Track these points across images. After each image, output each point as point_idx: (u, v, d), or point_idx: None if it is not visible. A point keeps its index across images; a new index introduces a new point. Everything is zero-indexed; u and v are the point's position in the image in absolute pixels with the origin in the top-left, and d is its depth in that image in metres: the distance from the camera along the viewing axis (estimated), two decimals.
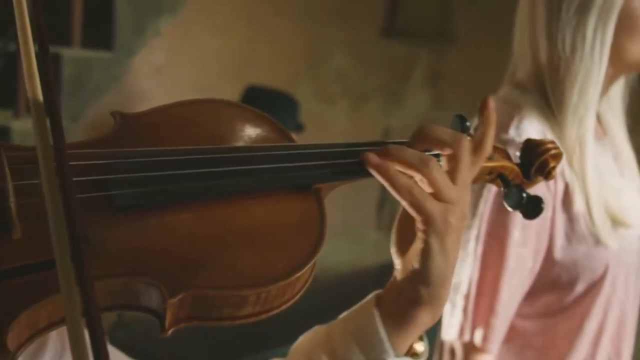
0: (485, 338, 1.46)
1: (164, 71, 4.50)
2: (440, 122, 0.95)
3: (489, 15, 4.29)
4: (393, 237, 0.91)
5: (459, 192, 0.85)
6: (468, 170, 0.86)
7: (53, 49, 2.79)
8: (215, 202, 0.79)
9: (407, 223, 0.88)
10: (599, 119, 1.59)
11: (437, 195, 0.83)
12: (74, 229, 0.61)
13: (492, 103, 0.90)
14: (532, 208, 0.93)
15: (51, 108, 0.67)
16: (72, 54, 3.00)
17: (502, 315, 1.46)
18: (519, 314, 1.51)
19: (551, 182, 1.43)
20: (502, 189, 0.96)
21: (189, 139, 0.84)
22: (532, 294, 1.49)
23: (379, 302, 0.89)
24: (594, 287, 1.50)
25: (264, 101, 3.52)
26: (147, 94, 4.47)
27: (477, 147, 0.89)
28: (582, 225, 1.46)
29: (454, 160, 0.86)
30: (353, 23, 4.52)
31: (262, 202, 0.81)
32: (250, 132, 0.87)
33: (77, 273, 0.59)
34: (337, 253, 4.46)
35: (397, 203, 0.86)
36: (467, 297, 1.46)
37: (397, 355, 0.88)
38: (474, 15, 4.39)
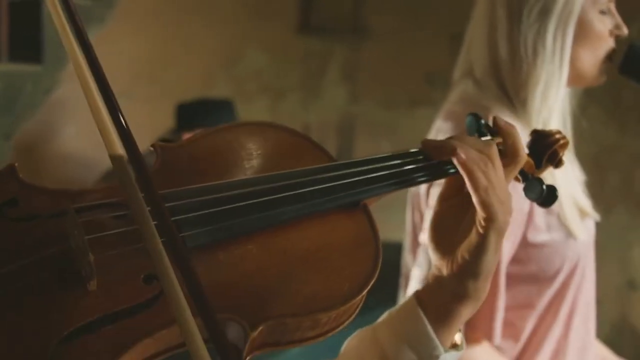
0: (490, 334, 1.49)
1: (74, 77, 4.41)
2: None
3: (402, 9, 4.34)
4: (430, 236, 0.95)
5: (508, 192, 0.91)
6: (503, 174, 0.92)
7: None
8: (274, 230, 0.80)
9: (445, 221, 0.94)
10: None
11: (498, 196, 0.89)
12: (188, 268, 0.62)
13: (501, 120, 0.96)
14: (550, 197, 0.99)
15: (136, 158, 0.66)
16: (1, 69, 2.91)
17: (502, 309, 1.50)
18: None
19: None
20: (521, 182, 1.00)
21: (233, 167, 0.84)
22: (514, 286, 1.53)
23: (420, 301, 0.93)
24: (570, 276, 1.57)
25: (201, 112, 3.48)
26: (62, 100, 4.37)
27: (512, 155, 0.95)
28: (556, 218, 1.52)
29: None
30: (267, 20, 4.51)
31: (317, 225, 0.83)
32: (291, 153, 0.88)
33: (198, 307, 0.60)
34: None
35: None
36: None
37: (445, 350, 0.92)
38: (387, 9, 4.43)
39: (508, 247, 1.48)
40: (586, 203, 1.59)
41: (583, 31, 1.52)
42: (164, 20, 4.49)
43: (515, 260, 1.52)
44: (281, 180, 0.83)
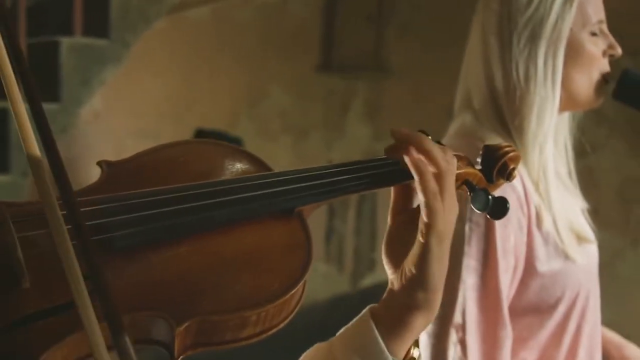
0: None
1: (101, 116, 4.47)
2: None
3: (422, 46, 4.38)
4: (384, 250, 0.96)
5: (453, 200, 0.92)
6: (454, 183, 0.93)
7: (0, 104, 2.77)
8: (208, 233, 0.84)
9: (397, 234, 0.95)
10: None
11: (444, 201, 0.91)
12: (94, 267, 0.66)
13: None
14: (500, 208, 0.99)
15: (54, 160, 0.70)
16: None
17: (508, 339, 1.49)
18: None
19: (525, 209, 1.49)
20: (468, 194, 1.01)
21: (174, 178, 0.88)
22: (513, 317, 1.51)
23: (374, 314, 0.94)
24: (571, 306, 1.55)
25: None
26: (87, 140, 4.43)
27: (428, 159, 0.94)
28: (553, 243, 1.51)
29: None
30: (290, 59, 4.56)
31: (252, 229, 0.86)
32: (231, 165, 0.93)
33: (103, 309, 0.63)
34: None
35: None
36: (462, 328, 1.47)
37: None
38: (407, 47, 4.47)
39: (507, 279, 1.48)
40: (584, 229, 1.58)
41: (574, 53, 1.53)
42: (188, 60, 4.55)
43: (516, 291, 1.51)
44: (215, 187, 0.87)
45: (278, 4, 4.59)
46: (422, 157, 0.91)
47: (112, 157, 0.92)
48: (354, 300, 4.09)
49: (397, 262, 0.94)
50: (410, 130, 0.94)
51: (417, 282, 0.90)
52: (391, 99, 4.51)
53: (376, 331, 0.92)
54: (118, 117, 4.48)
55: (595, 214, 4.44)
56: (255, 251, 0.85)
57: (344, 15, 4.50)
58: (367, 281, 4.47)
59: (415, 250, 0.91)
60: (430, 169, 0.91)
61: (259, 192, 0.88)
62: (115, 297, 0.68)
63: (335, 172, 0.93)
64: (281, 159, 4.52)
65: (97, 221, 0.80)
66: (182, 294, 0.79)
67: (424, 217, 0.90)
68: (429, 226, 0.90)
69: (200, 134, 3.70)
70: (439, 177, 0.91)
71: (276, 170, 0.94)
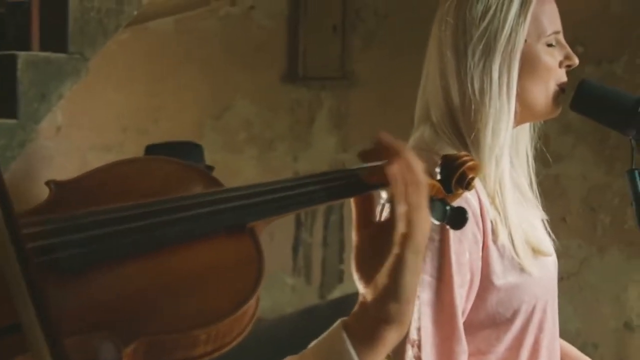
0: None
1: (62, 131, 4.41)
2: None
3: (388, 55, 4.38)
4: (354, 266, 0.95)
5: (428, 217, 0.93)
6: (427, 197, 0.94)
7: None
8: (158, 252, 0.83)
9: (367, 248, 0.95)
10: None
11: (421, 213, 0.90)
12: (36, 291, 0.65)
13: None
14: (458, 218, 1.00)
15: None
16: None
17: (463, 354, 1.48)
18: None
19: (480, 224, 1.48)
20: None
21: (124, 196, 0.87)
22: (470, 331, 1.51)
23: (346, 326, 0.93)
24: (528, 319, 1.54)
25: (168, 154, 3.51)
26: (48, 154, 4.36)
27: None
28: (509, 256, 1.51)
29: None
30: (255, 70, 4.54)
31: (202, 247, 0.85)
32: (179, 182, 0.91)
33: (45, 333, 0.64)
34: None
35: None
36: (418, 344, 1.46)
37: None
38: (373, 57, 4.47)
39: (463, 294, 1.47)
40: (540, 241, 1.57)
41: (530, 65, 1.52)
42: (151, 72, 4.51)
43: (473, 305, 1.51)
44: (162, 205, 0.86)
45: (242, 15, 4.56)
46: (403, 168, 0.90)
47: (74, 171, 0.92)
48: (322, 312, 4.06)
49: (369, 276, 0.93)
50: (394, 138, 0.93)
51: (391, 295, 0.90)
52: (357, 109, 4.50)
53: (349, 344, 0.92)
54: (80, 131, 4.42)
55: (562, 223, 4.49)
56: (205, 269, 0.84)
57: (309, 26, 4.49)
58: (336, 293, 4.45)
59: (390, 263, 0.90)
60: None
61: (207, 210, 0.87)
62: (61, 319, 0.67)
63: (287, 186, 0.93)
64: (247, 170, 4.49)
65: (42, 242, 0.78)
66: (130, 314, 0.78)
67: (402, 228, 0.89)
68: (407, 237, 0.89)
69: (152, 149, 3.64)
70: (418, 188, 0.90)
71: (242, 184, 0.92)
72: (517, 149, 1.66)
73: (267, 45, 4.55)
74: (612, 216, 4.03)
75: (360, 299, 0.94)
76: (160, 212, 0.85)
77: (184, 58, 4.52)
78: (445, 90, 1.54)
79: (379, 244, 0.92)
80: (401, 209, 0.90)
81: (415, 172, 0.91)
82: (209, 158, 3.82)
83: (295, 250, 4.49)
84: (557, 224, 4.61)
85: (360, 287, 0.94)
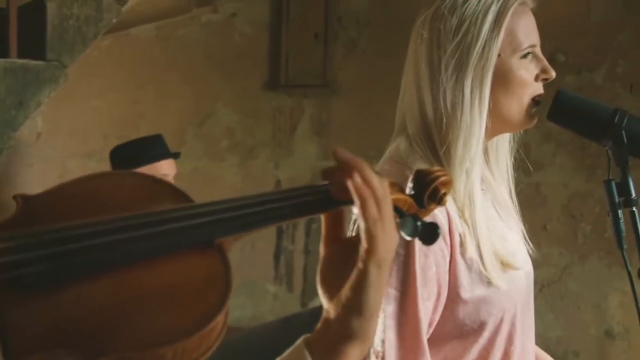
0: None
1: (43, 138, 4.38)
2: None
3: (370, 63, 4.38)
4: (319, 280, 0.96)
5: (392, 227, 0.92)
6: (392, 210, 0.93)
7: None
8: (125, 268, 0.82)
9: (332, 263, 0.95)
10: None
11: (384, 228, 0.90)
12: None
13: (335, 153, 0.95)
14: (429, 234, 0.98)
15: None
16: None
17: None
18: None
19: (448, 239, 1.48)
20: (397, 220, 0.99)
21: (91, 212, 0.86)
22: (438, 342, 1.51)
23: (308, 343, 0.93)
24: (496, 332, 1.54)
25: (132, 151, 3.53)
26: (29, 161, 4.33)
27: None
28: (476, 269, 1.50)
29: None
30: (237, 78, 4.53)
31: (170, 263, 0.84)
32: (148, 197, 0.91)
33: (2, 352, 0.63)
34: (236, 309, 4.39)
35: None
36: (382, 356, 1.45)
37: None
38: (355, 64, 4.47)
39: (429, 307, 1.47)
40: (510, 254, 1.56)
41: (504, 79, 1.52)
42: (133, 79, 4.49)
43: (440, 317, 1.50)
44: (129, 221, 0.86)
45: (224, 22, 4.56)
46: (363, 183, 0.89)
47: (54, 178, 0.91)
48: (304, 320, 4.05)
49: (333, 291, 0.93)
50: (352, 154, 0.92)
51: (354, 310, 0.90)
52: (339, 117, 4.50)
53: (310, 359, 0.91)
54: (61, 138, 4.40)
55: (543, 231, 4.50)
56: (172, 285, 0.83)
57: (290, 33, 4.49)
58: (318, 301, 4.42)
59: (353, 277, 0.90)
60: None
61: (175, 226, 0.86)
62: (27, 336, 0.67)
63: (256, 202, 0.92)
64: (228, 177, 4.48)
65: (6, 259, 0.77)
66: (95, 331, 0.78)
67: (364, 243, 0.89)
68: (368, 252, 0.89)
69: (116, 151, 3.63)
70: (378, 203, 0.90)
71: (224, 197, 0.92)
72: (497, 159, 1.66)
73: (249, 52, 4.55)
74: (593, 224, 4.05)
75: (324, 314, 0.94)
76: (127, 228, 0.84)
77: (166, 65, 4.51)
78: (420, 104, 1.54)
79: (345, 259, 0.92)
80: (361, 223, 0.89)
81: (373, 186, 0.90)
82: (190, 165, 3.81)
83: (276, 258, 4.48)
84: (538, 232, 4.63)
85: (324, 302, 0.94)
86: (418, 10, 1.59)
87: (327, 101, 4.52)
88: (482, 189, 1.63)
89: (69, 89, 3.86)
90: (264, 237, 4.41)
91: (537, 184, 4.06)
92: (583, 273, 4.09)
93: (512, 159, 1.68)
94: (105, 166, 4.22)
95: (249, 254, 4.15)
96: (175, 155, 3.59)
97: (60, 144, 4.39)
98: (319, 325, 0.94)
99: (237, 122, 4.56)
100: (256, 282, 4.46)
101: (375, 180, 0.90)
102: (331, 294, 0.93)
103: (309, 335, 0.94)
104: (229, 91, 4.53)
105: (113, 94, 4.47)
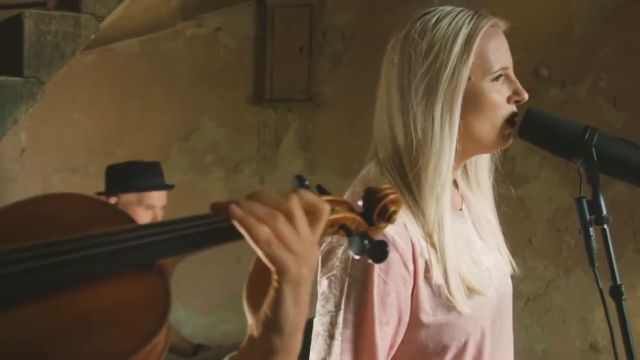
0: None
1: (26, 153, 4.36)
2: (314, 186, 0.97)
3: (354, 78, 4.38)
4: (244, 295, 0.96)
5: (306, 245, 0.90)
6: (306, 226, 0.92)
7: None
8: (63, 290, 0.81)
9: (257, 280, 0.95)
10: (457, 188, 1.65)
11: (288, 247, 0.89)
12: None
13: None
14: (378, 252, 0.97)
15: None
16: None
17: None
18: None
19: (410, 265, 1.46)
20: (346, 238, 1.00)
21: (31, 235, 0.85)
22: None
23: None
24: (459, 354, 1.52)
25: (123, 174, 3.49)
26: (12, 176, 4.30)
27: (310, 207, 0.94)
28: (443, 294, 1.49)
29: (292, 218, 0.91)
30: (222, 92, 4.52)
31: (109, 285, 0.84)
32: (91, 220, 0.90)
33: None
34: (222, 324, 4.37)
35: None
36: None
37: None
38: (340, 78, 4.47)
39: (389, 331, 1.46)
40: (479, 280, 1.54)
41: (475, 102, 1.51)
42: (117, 93, 4.48)
43: (403, 338, 1.50)
44: (68, 244, 0.85)
45: (209, 36, 4.55)
46: (246, 212, 0.89)
47: (39, 193, 0.90)
48: None
49: (256, 307, 0.93)
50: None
51: (274, 327, 0.90)
52: (324, 131, 4.49)
53: None
54: (44, 153, 4.37)
55: (529, 245, 4.48)
56: (110, 307, 0.83)
57: (275, 47, 4.49)
58: None
59: (270, 295, 0.90)
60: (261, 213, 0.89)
61: (113, 248, 0.85)
62: None
63: (195, 224, 0.91)
64: (213, 191, 4.47)
65: None
66: (36, 353, 0.77)
67: (270, 265, 0.89)
68: (278, 273, 0.89)
69: (111, 170, 3.58)
70: (271, 224, 0.89)
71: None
72: (478, 179, 1.65)
73: (234, 66, 4.54)
74: (578, 238, 4.03)
75: (249, 331, 0.94)
76: (63, 251, 0.83)
77: (150, 79, 4.50)
78: (391, 128, 1.52)
79: (267, 277, 0.92)
80: (256, 249, 0.89)
81: (253, 210, 0.89)
82: (175, 179, 3.79)
83: None
84: (523, 245, 4.61)
85: (249, 318, 0.94)
86: (403, 26, 1.58)
87: (312, 115, 4.51)
88: (461, 209, 1.63)
89: (52, 104, 3.85)
90: (249, 251, 4.38)
91: (522, 198, 4.06)
92: (568, 287, 4.09)
93: (492, 178, 1.67)
94: (89, 181, 4.20)
95: (234, 267, 4.13)
96: (167, 187, 3.54)
97: (44, 159, 4.37)
98: (244, 342, 0.94)
99: (222, 136, 4.55)
100: (241, 296, 4.43)
101: (256, 207, 0.90)
102: (254, 309, 0.94)
103: (234, 353, 0.95)
104: (214, 105, 4.53)
105: (97, 108, 4.45)
